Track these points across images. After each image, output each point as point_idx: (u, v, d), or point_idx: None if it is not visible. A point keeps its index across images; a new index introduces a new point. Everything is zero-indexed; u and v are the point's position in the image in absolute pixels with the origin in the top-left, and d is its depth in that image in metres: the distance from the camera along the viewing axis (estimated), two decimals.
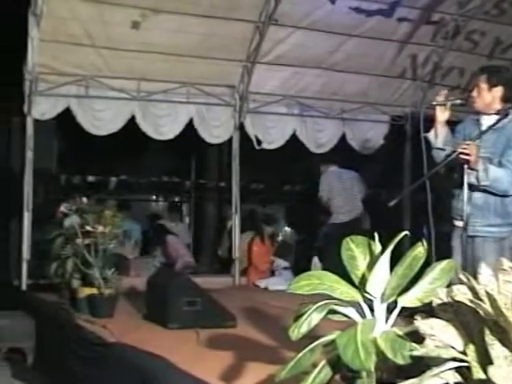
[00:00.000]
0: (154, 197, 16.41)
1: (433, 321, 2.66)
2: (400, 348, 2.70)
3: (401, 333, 2.80)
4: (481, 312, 2.51)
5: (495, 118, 5.35)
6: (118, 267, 7.39)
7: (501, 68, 5.89)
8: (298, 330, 2.94)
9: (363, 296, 2.98)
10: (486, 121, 5.44)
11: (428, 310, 2.76)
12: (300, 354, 2.97)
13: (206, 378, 4.29)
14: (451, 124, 5.70)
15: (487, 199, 5.37)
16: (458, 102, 5.56)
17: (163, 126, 10.24)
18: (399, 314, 2.97)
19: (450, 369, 2.56)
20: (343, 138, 11.32)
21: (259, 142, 10.68)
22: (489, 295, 2.50)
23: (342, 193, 10.37)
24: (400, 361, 2.68)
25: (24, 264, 9.20)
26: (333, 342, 2.86)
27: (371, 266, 3.02)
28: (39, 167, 9.82)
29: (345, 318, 3.04)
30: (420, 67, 11.10)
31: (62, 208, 7.39)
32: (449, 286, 2.76)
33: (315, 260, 10.36)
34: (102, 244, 7.19)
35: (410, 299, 2.93)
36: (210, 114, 10.52)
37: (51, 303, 7.87)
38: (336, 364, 2.89)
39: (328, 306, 2.99)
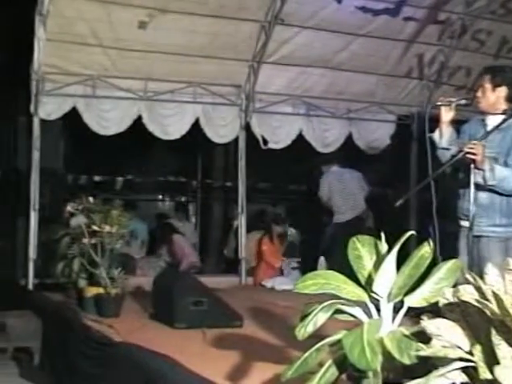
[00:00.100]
0: (161, 196, 16.42)
1: (439, 321, 2.66)
2: (406, 348, 2.70)
3: (407, 333, 2.80)
4: (487, 312, 2.51)
5: (500, 118, 5.35)
6: (124, 267, 7.40)
7: (505, 68, 5.88)
8: (305, 330, 2.94)
9: (369, 296, 2.98)
10: (491, 121, 5.44)
11: (434, 310, 2.76)
12: (306, 354, 2.97)
13: (213, 377, 4.29)
14: (457, 124, 5.71)
15: (493, 199, 5.37)
16: (463, 102, 5.56)
17: (170, 125, 10.25)
18: (406, 314, 2.96)
19: (456, 369, 2.56)
20: (349, 138, 11.32)
21: (265, 142, 10.69)
22: (495, 295, 2.49)
23: (341, 192, 10.40)
24: (406, 361, 2.67)
25: (30, 263, 9.22)
26: (339, 341, 2.86)
27: (377, 265, 3.01)
28: (46, 167, 9.83)
29: (351, 318, 3.03)
30: (426, 67, 11.09)
31: (69, 208, 7.40)
32: (455, 286, 2.76)
33: (321, 260, 10.36)
34: (108, 244, 7.19)
35: (416, 299, 2.93)
36: (217, 114, 10.53)
37: (58, 303, 7.89)
38: (342, 364, 2.89)
39: (334, 306, 2.98)
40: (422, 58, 10.97)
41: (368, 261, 3.10)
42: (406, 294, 2.93)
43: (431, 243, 3.03)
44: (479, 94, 5.57)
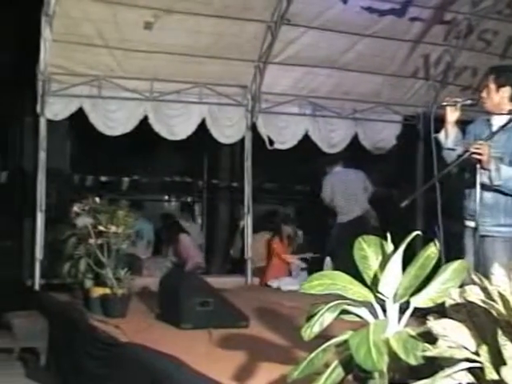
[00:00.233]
0: (167, 197, 16.42)
1: (445, 321, 2.65)
2: (412, 348, 2.70)
3: (413, 333, 2.80)
4: (493, 312, 2.50)
5: (506, 118, 5.35)
6: (130, 267, 7.41)
7: (509, 68, 5.88)
8: (311, 330, 2.94)
9: (375, 296, 2.97)
10: (497, 121, 5.44)
11: (440, 311, 2.76)
12: (312, 354, 2.97)
13: (219, 378, 4.30)
14: (463, 124, 5.71)
15: (497, 199, 5.37)
16: (469, 102, 5.56)
17: (176, 126, 10.26)
18: (412, 315, 2.96)
19: (462, 369, 2.55)
20: (355, 138, 11.32)
21: (271, 142, 10.69)
22: (501, 296, 2.49)
23: (343, 193, 10.42)
24: (412, 361, 2.67)
25: (37, 264, 9.24)
26: (345, 342, 2.86)
27: (383, 265, 3.01)
28: (52, 167, 9.85)
29: (357, 319, 3.03)
30: (432, 67, 11.08)
31: (75, 208, 7.40)
32: (461, 286, 2.76)
33: (327, 260, 10.37)
34: (114, 244, 7.20)
35: (422, 299, 2.93)
36: (223, 114, 10.54)
37: (64, 303, 7.90)
38: (348, 364, 2.89)
39: (340, 306, 2.98)
40: (428, 58, 10.97)
41: (374, 261, 3.09)
42: (412, 294, 2.93)
43: (437, 243, 3.03)
44: (484, 94, 5.58)
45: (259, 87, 10.50)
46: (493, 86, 5.49)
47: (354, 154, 11.22)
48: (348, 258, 3.21)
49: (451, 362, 2.57)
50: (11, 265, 11.01)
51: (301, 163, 13.24)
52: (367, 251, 3.12)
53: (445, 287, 2.88)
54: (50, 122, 9.56)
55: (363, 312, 3.00)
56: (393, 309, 2.95)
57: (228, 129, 10.61)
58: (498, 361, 2.48)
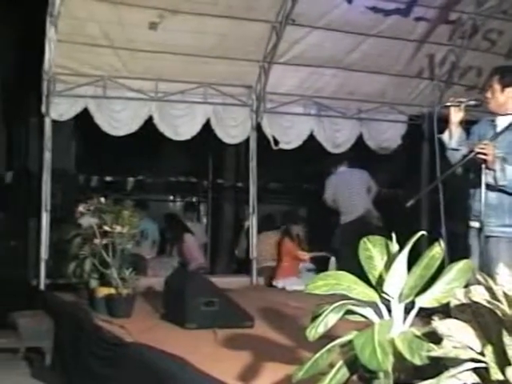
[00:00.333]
0: (172, 197, 16.43)
1: (450, 321, 2.65)
2: (417, 348, 2.70)
3: (418, 333, 2.80)
4: (498, 313, 2.50)
5: (510, 118, 5.35)
6: (135, 267, 7.41)
7: None
8: (315, 331, 2.94)
9: (381, 296, 2.97)
10: (501, 121, 5.44)
11: (445, 311, 2.76)
12: (317, 355, 2.96)
13: (224, 378, 4.30)
14: (467, 124, 5.70)
15: (502, 199, 5.37)
16: (473, 102, 5.55)
17: (180, 126, 10.26)
18: (417, 315, 2.96)
19: (467, 370, 2.55)
20: (360, 138, 11.32)
21: (276, 143, 10.69)
22: (506, 296, 2.49)
23: (346, 193, 10.43)
24: (417, 361, 2.67)
25: (42, 264, 9.25)
26: (350, 342, 2.86)
27: (389, 265, 3.01)
28: (57, 168, 9.87)
29: (362, 319, 3.03)
30: (437, 67, 11.07)
31: (80, 208, 7.41)
32: (466, 286, 2.75)
33: (332, 260, 10.37)
34: (119, 244, 7.20)
35: (427, 300, 2.93)
36: (227, 115, 10.54)
37: (69, 303, 7.91)
38: (353, 364, 2.89)
39: (345, 307, 2.98)
40: (432, 58, 10.96)
41: (379, 261, 3.09)
42: (417, 294, 2.93)
43: (442, 244, 3.03)
44: (488, 94, 5.57)
45: (264, 87, 10.50)
46: (497, 87, 5.49)
47: (359, 154, 11.21)
48: (351, 258, 3.21)
49: (456, 362, 2.56)
50: (16, 265, 11.03)
51: (306, 163, 13.25)
52: (372, 251, 3.12)
53: (450, 287, 2.88)
54: (55, 122, 9.57)
55: (368, 312, 3.00)
56: (398, 309, 2.95)
57: (233, 129, 10.62)
58: (503, 361, 2.48)
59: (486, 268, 4.75)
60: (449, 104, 5.57)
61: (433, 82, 11.25)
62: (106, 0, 9.04)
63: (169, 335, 6.12)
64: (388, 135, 11.55)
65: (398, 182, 12.77)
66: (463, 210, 5.61)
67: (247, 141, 10.76)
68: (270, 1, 9.63)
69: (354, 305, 3.00)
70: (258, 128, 10.62)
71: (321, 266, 10.11)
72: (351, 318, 3.06)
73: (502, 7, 10.23)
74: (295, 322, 6.09)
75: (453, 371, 2.55)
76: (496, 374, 2.50)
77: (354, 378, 2.95)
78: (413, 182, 11.26)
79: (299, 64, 10.44)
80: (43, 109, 9.47)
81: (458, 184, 5.58)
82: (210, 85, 10.25)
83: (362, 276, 3.06)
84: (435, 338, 2.68)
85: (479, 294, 2.58)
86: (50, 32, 8.96)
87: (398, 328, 2.90)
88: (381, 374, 2.81)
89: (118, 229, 7.16)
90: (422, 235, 3.05)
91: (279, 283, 10.17)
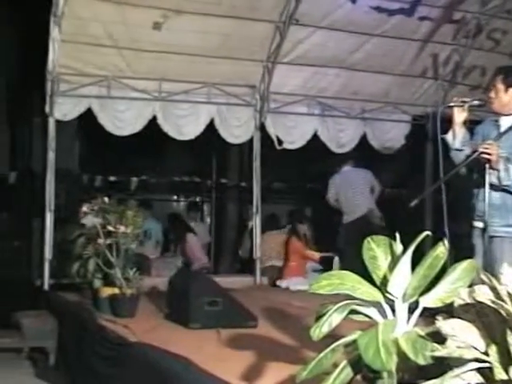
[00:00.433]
0: (175, 197, 16.45)
1: (454, 321, 2.65)
2: (421, 348, 2.69)
3: (422, 333, 2.79)
4: (502, 312, 2.50)
5: None
6: (139, 267, 7.41)
7: None
8: (319, 330, 2.94)
9: (384, 296, 2.97)
10: (505, 121, 5.43)
11: (450, 311, 2.75)
12: (321, 355, 2.96)
13: (228, 377, 4.30)
14: (471, 124, 5.70)
15: (505, 199, 5.36)
16: (476, 102, 5.54)
17: (184, 126, 10.27)
18: (421, 315, 2.96)
19: (471, 370, 2.55)
20: (364, 138, 11.31)
21: (280, 142, 10.69)
22: (510, 296, 2.49)
23: (348, 193, 10.44)
24: (421, 361, 2.66)
25: (46, 264, 9.26)
26: (354, 342, 2.85)
27: (393, 265, 3.01)
28: (61, 168, 9.88)
29: (366, 319, 3.03)
30: (441, 66, 11.06)
31: (84, 208, 7.41)
32: (470, 286, 2.75)
33: (336, 260, 10.36)
34: (123, 244, 7.20)
35: (431, 299, 2.92)
36: (231, 114, 10.54)
37: (73, 303, 7.92)
38: (357, 364, 2.88)
39: (349, 306, 2.98)
40: (436, 57, 10.95)
41: (383, 261, 3.09)
42: (421, 294, 2.92)
43: (446, 243, 3.02)
44: (492, 94, 5.56)
45: (268, 87, 10.50)
46: (501, 87, 5.48)
47: (363, 154, 11.21)
48: (353, 258, 3.21)
49: (460, 362, 2.56)
50: (20, 265, 11.05)
51: (310, 163, 13.25)
52: (376, 251, 3.11)
53: (454, 287, 2.87)
54: (58, 122, 9.58)
55: (372, 312, 3.00)
56: (402, 309, 2.95)
57: (236, 129, 10.62)
58: (508, 361, 2.48)
59: (490, 268, 4.74)
60: (452, 104, 5.56)
61: (437, 81, 11.24)
62: (109, 0, 9.05)
63: (172, 335, 6.11)
64: (392, 135, 11.54)
65: (402, 181, 12.77)
66: (467, 209, 5.60)
67: (251, 141, 10.76)
68: (274, 1, 9.63)
69: (357, 305, 2.99)
70: (262, 128, 10.62)
71: (326, 266, 10.12)
72: (355, 317, 3.05)
73: (506, 7, 10.22)
74: (299, 321, 6.08)
75: (457, 371, 2.55)
76: (500, 374, 2.49)
77: (358, 377, 2.95)
78: (416, 182, 11.25)
79: (303, 64, 10.44)
80: (47, 109, 9.48)
81: (462, 184, 5.57)
82: (214, 85, 10.26)
83: (366, 276, 3.05)
84: (439, 338, 2.68)
85: (483, 294, 2.58)
86: (54, 32, 8.97)
87: (402, 328, 2.89)
88: (384, 374, 2.81)
89: (122, 229, 7.16)
90: (427, 235, 3.04)
91: (283, 283, 10.17)
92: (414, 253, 2.96)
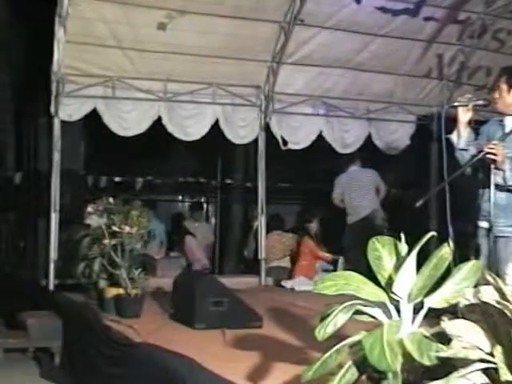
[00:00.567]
0: (180, 197, 16.46)
1: (460, 322, 2.65)
2: (426, 349, 2.69)
3: (427, 334, 2.79)
4: (508, 313, 2.50)
5: None
6: (144, 267, 7.42)
7: None
8: (324, 331, 2.94)
9: (389, 296, 2.97)
10: (509, 121, 5.43)
11: (455, 311, 2.75)
12: (326, 355, 2.96)
13: (233, 378, 4.30)
14: (477, 124, 5.69)
15: (510, 200, 5.35)
16: (481, 102, 5.54)
17: (189, 126, 10.26)
18: (426, 315, 2.96)
19: (476, 370, 2.55)
20: (369, 138, 11.31)
21: (285, 143, 10.68)
22: None
23: (353, 192, 10.43)
24: (426, 362, 2.66)
25: (51, 264, 9.26)
26: (359, 342, 2.85)
27: (398, 266, 3.01)
28: (66, 168, 9.88)
29: (371, 319, 3.03)
30: (446, 67, 11.05)
31: (90, 208, 7.42)
32: (476, 286, 2.75)
33: (341, 260, 10.36)
34: (128, 244, 7.21)
35: (436, 300, 2.92)
36: (236, 115, 10.53)
37: (78, 303, 7.93)
38: (362, 365, 2.88)
39: (354, 307, 2.98)
40: (441, 57, 10.94)
41: (388, 261, 3.09)
42: (426, 294, 2.92)
43: (451, 244, 3.02)
44: (496, 94, 5.56)
45: (272, 87, 10.49)
46: (505, 87, 5.47)
47: (368, 154, 11.20)
48: (357, 258, 3.21)
49: (465, 362, 2.56)
50: (26, 265, 11.07)
51: (315, 163, 13.25)
52: (381, 252, 3.11)
53: (459, 287, 2.87)
54: (64, 122, 9.58)
55: (377, 312, 3.00)
56: (407, 309, 2.95)
57: (241, 129, 10.61)
58: None
59: (495, 268, 4.74)
60: (457, 104, 5.56)
61: (441, 81, 11.23)
62: (114, 0, 9.06)
63: (178, 335, 6.12)
64: (397, 135, 11.53)
65: (407, 182, 12.76)
66: (472, 210, 5.60)
67: (256, 141, 10.75)
68: (279, 1, 9.63)
69: (362, 305, 3.00)
70: (267, 128, 10.61)
71: (332, 266, 10.14)
72: (360, 318, 3.06)
73: (511, 7, 10.20)
74: (304, 322, 6.08)
75: (462, 372, 2.55)
76: (505, 375, 2.49)
77: (363, 378, 2.95)
78: (421, 182, 11.24)
79: (308, 64, 10.44)
80: (52, 109, 9.48)
81: (467, 184, 5.56)
82: (219, 85, 10.25)
83: (371, 276, 3.05)
84: (444, 339, 2.68)
85: (488, 294, 2.58)
86: (59, 33, 8.97)
87: (407, 328, 2.89)
88: (390, 375, 2.81)
89: (127, 229, 7.17)
90: (432, 236, 3.04)
91: (288, 284, 10.16)
92: (419, 253, 2.96)
